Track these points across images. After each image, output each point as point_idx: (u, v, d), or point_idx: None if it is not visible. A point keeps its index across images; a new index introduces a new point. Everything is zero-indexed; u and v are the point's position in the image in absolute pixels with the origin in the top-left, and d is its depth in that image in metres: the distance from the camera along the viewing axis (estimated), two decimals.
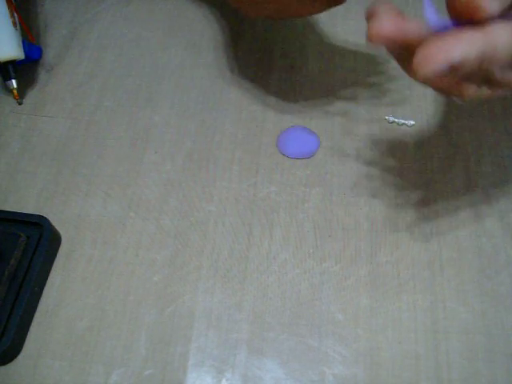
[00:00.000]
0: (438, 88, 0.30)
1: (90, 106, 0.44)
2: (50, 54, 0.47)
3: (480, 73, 0.27)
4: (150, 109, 0.43)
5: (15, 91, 0.43)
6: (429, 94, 0.43)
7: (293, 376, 0.32)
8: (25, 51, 0.43)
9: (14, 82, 0.43)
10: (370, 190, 0.39)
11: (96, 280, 0.36)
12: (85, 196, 0.39)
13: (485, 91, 0.29)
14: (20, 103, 0.44)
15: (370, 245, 0.36)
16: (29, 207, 0.39)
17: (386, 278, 0.35)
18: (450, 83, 0.29)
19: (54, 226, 0.37)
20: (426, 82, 0.29)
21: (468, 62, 0.25)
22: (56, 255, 0.37)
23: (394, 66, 0.45)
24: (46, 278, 0.36)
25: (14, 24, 0.43)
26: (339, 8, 0.50)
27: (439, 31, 0.26)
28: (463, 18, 0.26)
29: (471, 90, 0.29)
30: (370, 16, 0.27)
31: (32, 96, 0.45)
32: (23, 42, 0.44)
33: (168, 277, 0.36)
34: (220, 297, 0.35)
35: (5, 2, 0.42)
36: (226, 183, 0.39)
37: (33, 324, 0.34)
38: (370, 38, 0.26)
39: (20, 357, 0.33)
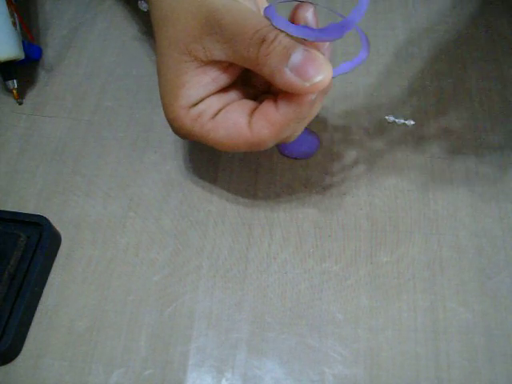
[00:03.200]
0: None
1: (89, 106, 0.44)
2: (50, 54, 0.47)
3: None
4: (149, 109, 0.43)
5: (15, 91, 0.43)
6: (429, 93, 0.43)
7: (293, 376, 0.32)
8: (25, 51, 0.43)
9: (14, 81, 0.43)
10: (370, 190, 0.39)
11: (96, 280, 0.36)
12: (85, 196, 0.39)
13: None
14: (20, 103, 0.44)
15: (369, 245, 0.36)
16: (29, 207, 0.39)
17: (386, 278, 0.35)
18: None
19: (54, 226, 0.37)
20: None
21: None
22: (56, 255, 0.37)
23: (394, 65, 0.45)
24: (46, 278, 0.36)
25: (14, 24, 0.43)
26: (338, 8, 0.50)
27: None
28: None
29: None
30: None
31: (32, 96, 0.45)
32: (23, 42, 0.44)
33: (168, 277, 0.36)
34: (220, 297, 0.35)
35: (5, 2, 0.42)
36: (226, 183, 0.39)
37: (33, 324, 0.34)
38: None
39: (20, 357, 0.33)
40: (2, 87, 0.45)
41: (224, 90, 0.32)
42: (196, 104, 0.31)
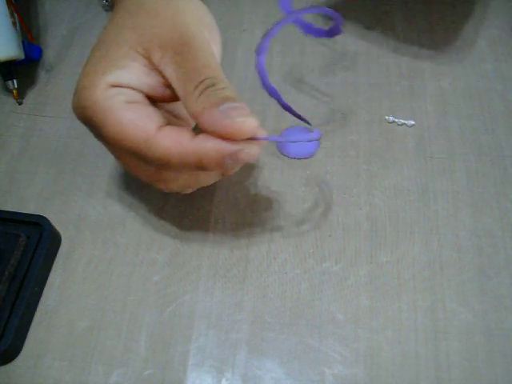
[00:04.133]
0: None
1: None
2: (50, 54, 0.47)
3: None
4: None
5: (15, 91, 0.43)
6: (429, 94, 0.43)
7: (293, 376, 0.32)
8: (25, 51, 0.43)
9: (14, 81, 0.43)
10: (370, 190, 0.39)
11: (96, 280, 0.36)
12: (85, 196, 0.39)
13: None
14: (20, 103, 0.44)
15: (370, 245, 0.36)
16: (29, 207, 0.39)
17: (386, 278, 0.35)
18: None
19: (54, 226, 0.37)
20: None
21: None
22: (56, 255, 0.37)
23: (394, 65, 0.45)
24: (46, 278, 0.36)
25: (14, 24, 0.43)
26: (339, 9, 0.50)
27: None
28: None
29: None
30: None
31: (32, 96, 0.45)
32: (23, 42, 0.44)
33: (168, 277, 0.36)
34: (220, 297, 0.35)
35: (5, 2, 0.42)
36: (226, 183, 0.39)
37: (33, 324, 0.34)
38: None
39: (20, 357, 0.33)
40: (2, 87, 0.45)
41: (151, 100, 0.31)
42: (119, 87, 0.29)
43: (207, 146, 0.27)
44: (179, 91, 0.29)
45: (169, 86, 0.30)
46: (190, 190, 0.33)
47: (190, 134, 0.28)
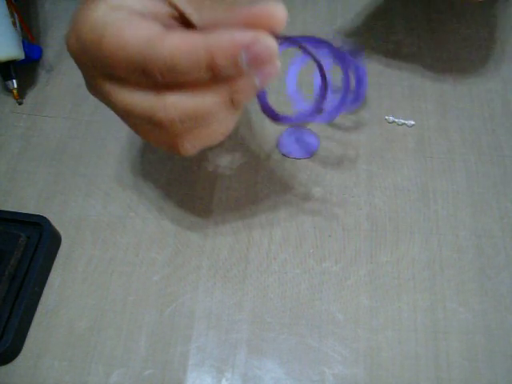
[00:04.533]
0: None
1: (89, 106, 0.44)
2: (50, 54, 0.47)
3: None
4: None
5: (15, 91, 0.43)
6: (429, 93, 0.43)
7: (293, 376, 0.32)
8: (25, 51, 0.43)
9: (14, 82, 0.43)
10: (370, 190, 0.39)
11: (96, 280, 0.36)
12: (85, 196, 0.39)
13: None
14: (20, 103, 0.44)
15: (370, 245, 0.36)
16: (29, 207, 0.39)
17: (386, 278, 0.35)
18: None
19: (53, 226, 0.37)
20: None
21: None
22: (56, 255, 0.37)
23: (394, 65, 0.45)
24: (46, 278, 0.36)
25: (14, 24, 0.43)
26: (338, 8, 0.50)
27: None
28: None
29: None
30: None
31: (32, 96, 0.45)
32: (23, 42, 0.44)
33: (168, 277, 0.36)
34: (220, 297, 0.35)
35: (5, 2, 0.42)
36: (226, 183, 0.39)
37: (33, 324, 0.34)
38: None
39: (20, 357, 0.33)
40: (2, 87, 0.45)
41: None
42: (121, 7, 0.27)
43: (221, 38, 0.25)
44: (192, 12, 0.27)
45: (177, 18, 0.28)
46: (198, 145, 0.29)
47: (200, 33, 0.26)
